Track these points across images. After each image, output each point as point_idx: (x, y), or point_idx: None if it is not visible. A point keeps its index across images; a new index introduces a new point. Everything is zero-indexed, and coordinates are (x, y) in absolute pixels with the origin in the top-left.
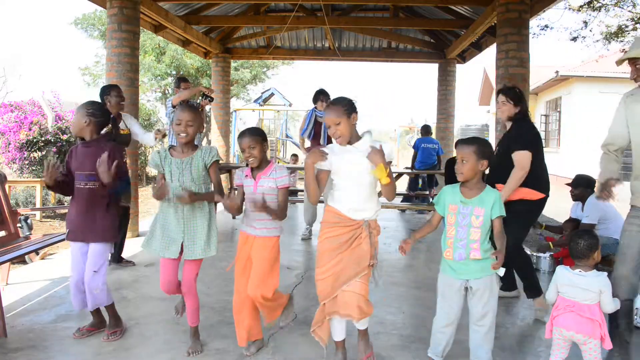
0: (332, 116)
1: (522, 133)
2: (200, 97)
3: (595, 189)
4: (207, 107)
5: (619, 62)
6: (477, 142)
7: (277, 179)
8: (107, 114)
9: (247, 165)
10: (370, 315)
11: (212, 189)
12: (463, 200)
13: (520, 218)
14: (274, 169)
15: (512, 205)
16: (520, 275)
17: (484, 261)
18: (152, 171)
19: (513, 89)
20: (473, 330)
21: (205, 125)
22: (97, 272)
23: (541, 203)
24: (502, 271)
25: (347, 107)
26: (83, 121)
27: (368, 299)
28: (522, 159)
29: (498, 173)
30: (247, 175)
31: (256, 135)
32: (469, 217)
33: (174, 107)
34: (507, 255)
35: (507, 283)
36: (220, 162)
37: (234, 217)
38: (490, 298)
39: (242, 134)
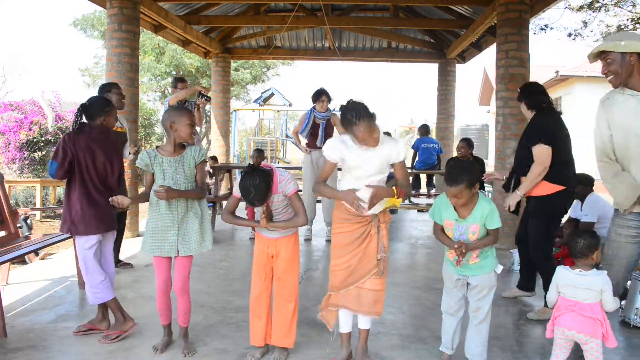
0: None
1: (540, 125)
2: (197, 97)
3: None
4: (207, 107)
5: (591, 58)
6: (464, 176)
7: (284, 189)
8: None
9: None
10: (379, 316)
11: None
12: (458, 219)
13: (535, 218)
14: (278, 182)
15: (527, 206)
16: (545, 283)
17: (482, 260)
18: None
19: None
20: (469, 320)
21: (205, 125)
22: (80, 266)
23: (557, 197)
24: (499, 268)
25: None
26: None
27: (383, 293)
28: (539, 154)
29: (522, 167)
30: None
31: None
32: (465, 234)
33: (171, 107)
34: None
35: (527, 283)
36: (207, 161)
37: None
38: (489, 292)
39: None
